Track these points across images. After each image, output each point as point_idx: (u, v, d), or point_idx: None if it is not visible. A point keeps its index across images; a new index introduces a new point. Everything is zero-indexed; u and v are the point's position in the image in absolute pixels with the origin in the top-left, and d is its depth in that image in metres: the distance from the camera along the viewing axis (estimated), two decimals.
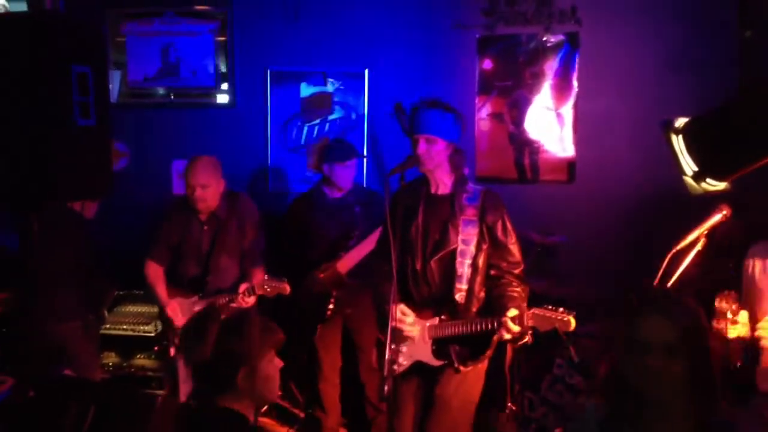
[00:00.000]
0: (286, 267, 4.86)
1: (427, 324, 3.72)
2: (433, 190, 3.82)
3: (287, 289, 4.37)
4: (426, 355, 3.74)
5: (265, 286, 4.37)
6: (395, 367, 3.67)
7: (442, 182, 3.80)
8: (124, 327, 5.23)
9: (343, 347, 5.15)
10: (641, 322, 2.13)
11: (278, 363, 2.66)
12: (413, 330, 3.73)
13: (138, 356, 5.21)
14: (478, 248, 3.68)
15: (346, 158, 4.95)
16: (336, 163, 4.94)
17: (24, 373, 3.33)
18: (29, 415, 3.04)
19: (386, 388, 3.27)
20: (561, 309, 3.36)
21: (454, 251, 3.69)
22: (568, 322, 3.32)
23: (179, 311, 4.60)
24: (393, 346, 3.41)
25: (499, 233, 3.70)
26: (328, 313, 4.93)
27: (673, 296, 2.14)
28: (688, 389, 2.07)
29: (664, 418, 2.10)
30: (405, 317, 3.70)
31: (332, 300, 4.91)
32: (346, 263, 4.84)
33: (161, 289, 4.66)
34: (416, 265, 3.76)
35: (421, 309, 3.75)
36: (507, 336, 3.47)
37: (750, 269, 3.46)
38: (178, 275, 4.72)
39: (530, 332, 3.49)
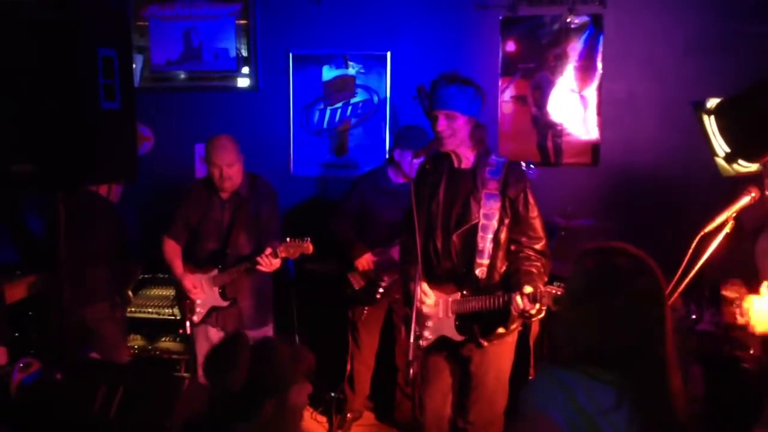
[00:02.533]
0: (338, 245, 4.89)
1: (450, 299, 3.71)
2: (456, 165, 3.77)
3: (309, 248, 4.39)
4: (450, 330, 3.73)
5: (288, 247, 4.39)
6: (422, 342, 3.72)
7: (465, 157, 3.74)
8: (150, 310, 5.27)
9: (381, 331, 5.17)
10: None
11: (307, 389, 2.58)
12: (433, 309, 3.73)
13: (163, 339, 5.25)
14: (500, 222, 3.64)
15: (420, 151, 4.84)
16: (409, 151, 4.86)
17: (51, 356, 3.36)
18: (57, 398, 3.07)
19: (411, 371, 3.28)
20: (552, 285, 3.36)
21: (475, 225, 3.64)
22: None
23: (198, 284, 4.63)
24: (418, 325, 3.42)
25: (521, 207, 3.65)
26: (377, 296, 4.94)
27: (584, 250, 2.10)
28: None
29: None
30: (426, 298, 3.70)
31: (383, 284, 4.91)
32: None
33: (178, 264, 4.69)
34: (438, 239, 3.73)
35: (444, 284, 3.74)
36: (515, 313, 3.47)
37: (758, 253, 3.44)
38: (197, 252, 4.73)
39: (544, 308, 3.46)
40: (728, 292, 3.32)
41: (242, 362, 2.43)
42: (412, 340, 3.39)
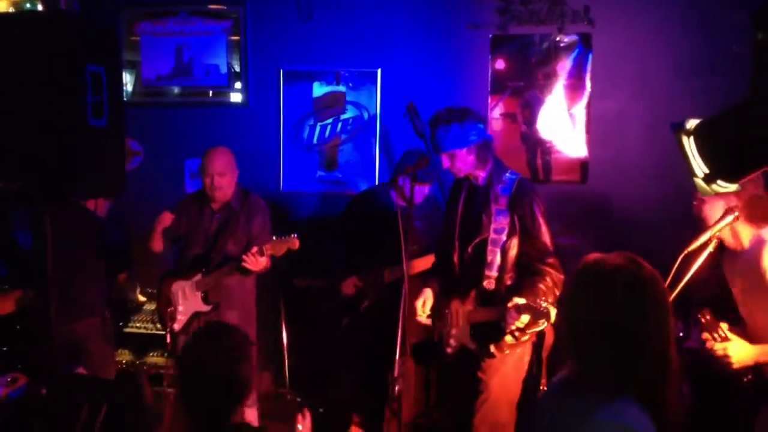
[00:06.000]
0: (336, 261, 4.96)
1: (466, 309, 3.91)
2: (474, 182, 4.01)
3: (296, 243, 4.41)
4: (466, 339, 3.93)
5: (275, 244, 4.42)
6: (448, 350, 3.99)
7: (478, 176, 3.97)
8: (138, 325, 5.26)
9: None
10: None
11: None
12: (454, 320, 3.96)
13: (151, 354, 5.24)
14: (509, 237, 3.82)
15: (425, 181, 4.82)
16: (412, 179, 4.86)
17: (38, 372, 3.36)
18: (42, 414, 3.06)
19: (396, 388, 3.31)
20: (547, 300, 3.50)
21: (486, 240, 3.84)
22: (548, 313, 3.46)
23: (163, 220, 4.70)
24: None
25: (528, 222, 3.82)
26: (361, 309, 4.96)
27: (590, 260, 2.18)
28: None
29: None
30: (422, 311, 4.03)
31: (368, 300, 4.94)
32: (392, 275, 4.81)
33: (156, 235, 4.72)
34: (456, 252, 3.97)
35: (461, 294, 3.93)
36: (505, 327, 3.62)
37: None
38: (183, 259, 4.76)
39: (538, 322, 3.61)
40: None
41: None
42: (397, 356, 3.43)
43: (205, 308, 4.62)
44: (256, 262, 4.42)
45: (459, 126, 3.82)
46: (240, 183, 4.77)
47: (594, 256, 2.19)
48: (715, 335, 3.22)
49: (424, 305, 4.02)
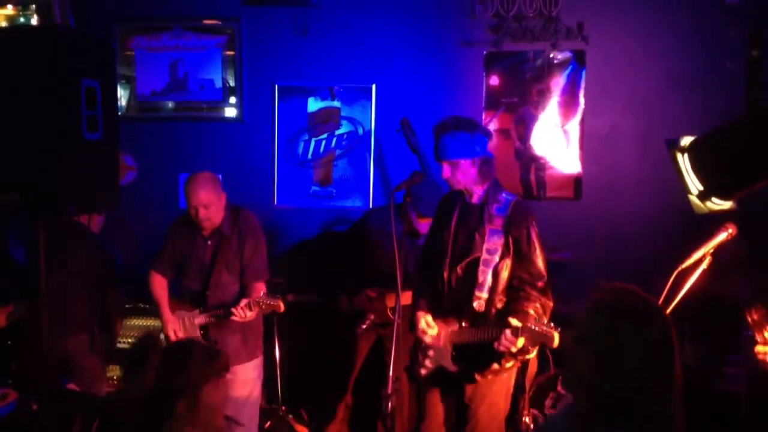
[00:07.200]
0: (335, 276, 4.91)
1: (449, 330, 3.77)
2: (467, 199, 3.85)
3: (281, 307, 4.32)
4: (446, 360, 3.78)
5: (261, 303, 4.34)
6: (422, 370, 3.84)
7: (474, 192, 3.81)
8: (130, 340, 5.22)
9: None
10: None
11: (223, 388, 2.66)
12: (435, 339, 3.80)
13: None
14: (502, 258, 3.68)
15: (427, 215, 4.68)
16: (417, 215, 4.81)
17: (29, 387, 3.34)
18: (33, 429, 3.04)
19: (390, 404, 3.29)
20: (548, 324, 3.38)
21: (477, 259, 3.70)
22: (552, 337, 3.32)
23: (179, 330, 4.59)
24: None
25: (524, 245, 3.69)
26: (358, 330, 4.97)
27: (596, 292, 2.14)
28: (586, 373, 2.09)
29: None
30: (428, 329, 3.79)
31: (367, 321, 4.93)
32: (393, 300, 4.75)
33: (164, 304, 4.61)
34: (446, 270, 3.81)
35: (447, 314, 3.80)
36: (502, 349, 3.47)
37: None
38: (181, 289, 4.70)
39: (531, 349, 3.52)
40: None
41: (151, 366, 2.63)
42: (390, 373, 3.40)
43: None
44: (245, 316, 4.37)
45: (468, 135, 3.67)
46: (231, 199, 4.67)
47: (592, 295, 2.14)
48: (760, 336, 3.14)
49: (428, 325, 3.81)
